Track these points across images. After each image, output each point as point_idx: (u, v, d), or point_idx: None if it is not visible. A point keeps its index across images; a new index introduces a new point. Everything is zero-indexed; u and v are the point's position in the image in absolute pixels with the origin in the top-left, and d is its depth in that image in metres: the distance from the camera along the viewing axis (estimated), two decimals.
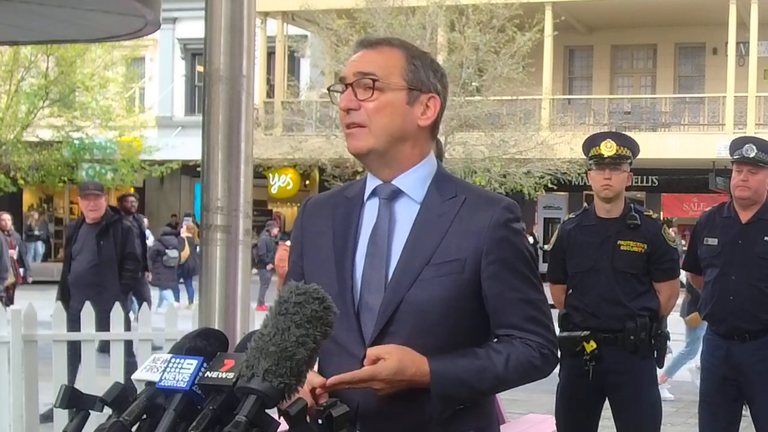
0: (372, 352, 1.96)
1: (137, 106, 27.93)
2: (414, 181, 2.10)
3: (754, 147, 4.51)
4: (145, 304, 7.25)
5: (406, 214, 2.09)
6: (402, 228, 2.08)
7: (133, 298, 10.21)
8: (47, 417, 6.01)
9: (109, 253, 7.64)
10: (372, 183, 2.14)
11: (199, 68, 27.00)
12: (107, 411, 1.70)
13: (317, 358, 1.69)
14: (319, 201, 2.25)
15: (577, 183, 20.59)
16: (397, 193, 2.10)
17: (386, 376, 1.95)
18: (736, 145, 4.60)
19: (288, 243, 17.82)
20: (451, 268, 2.03)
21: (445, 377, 1.98)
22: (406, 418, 2.01)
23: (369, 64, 2.06)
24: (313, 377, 1.95)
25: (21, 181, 24.03)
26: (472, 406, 2.08)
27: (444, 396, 1.99)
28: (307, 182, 26.41)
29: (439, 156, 2.28)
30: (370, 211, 2.12)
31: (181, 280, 16.87)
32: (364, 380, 1.95)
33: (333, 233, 2.12)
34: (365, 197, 2.14)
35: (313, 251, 2.15)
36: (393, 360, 1.96)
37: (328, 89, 2.16)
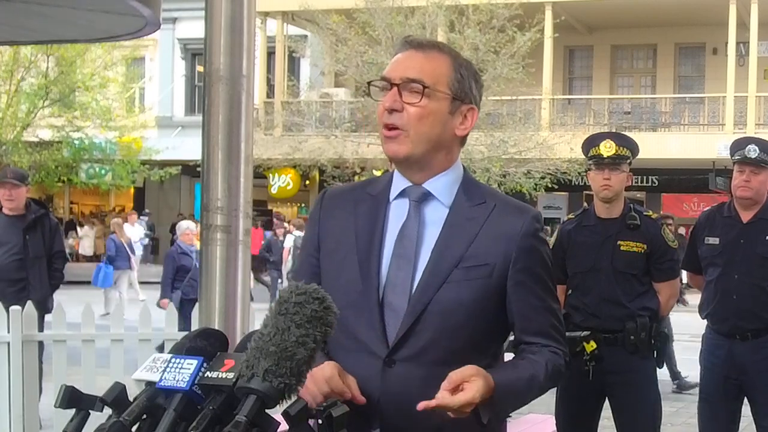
0: (455, 377, 1.93)
1: (137, 106, 27.92)
2: (443, 185, 2.12)
3: (757, 148, 4.51)
4: (145, 302, 7.21)
5: (434, 217, 2.11)
6: (431, 231, 2.10)
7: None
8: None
9: (36, 249, 7.08)
10: (399, 183, 2.14)
11: (199, 68, 27.00)
12: (107, 411, 1.70)
13: (316, 358, 1.69)
14: (337, 194, 2.24)
15: (577, 183, 20.59)
16: (426, 196, 2.12)
17: (481, 396, 1.93)
18: (738, 145, 4.60)
19: None
20: (480, 273, 2.06)
21: (506, 390, 2.00)
22: (424, 416, 2.01)
23: (418, 70, 2.06)
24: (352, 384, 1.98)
25: None
26: None
27: (501, 407, 2.03)
28: (307, 182, 26.40)
29: None
30: (397, 210, 2.13)
31: None
32: (465, 404, 1.92)
33: (356, 230, 2.12)
34: (391, 196, 2.15)
35: (333, 245, 2.15)
36: (480, 378, 1.94)
37: (368, 83, 2.16)
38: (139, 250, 20.58)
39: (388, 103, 2.05)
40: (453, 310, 2.04)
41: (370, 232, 2.11)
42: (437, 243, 2.07)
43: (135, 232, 20.79)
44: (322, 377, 1.96)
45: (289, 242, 17.65)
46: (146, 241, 21.96)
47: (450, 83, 2.08)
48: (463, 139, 2.16)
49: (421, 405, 1.91)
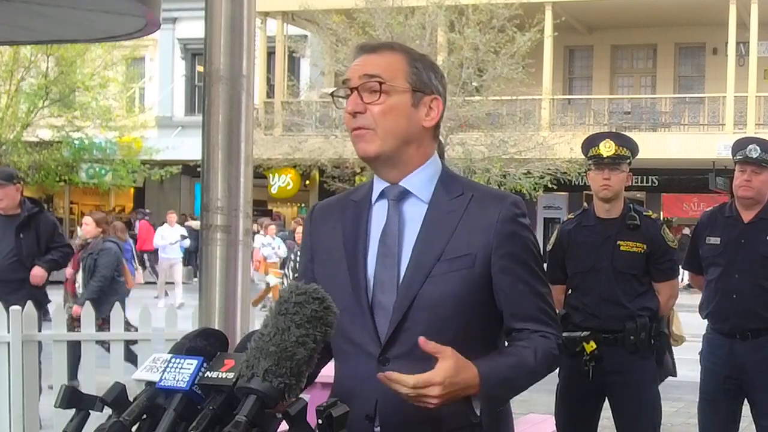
0: (428, 347, 1.91)
1: (137, 106, 27.94)
2: (420, 181, 2.14)
3: (758, 148, 4.52)
4: (146, 305, 7.20)
5: (414, 214, 2.13)
6: (411, 227, 2.12)
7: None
8: None
9: (30, 249, 6.95)
10: (379, 185, 2.18)
11: (199, 68, 27.00)
12: (107, 411, 1.70)
13: (317, 358, 1.69)
14: (326, 206, 2.29)
15: (577, 183, 20.59)
16: (404, 194, 2.14)
17: (444, 377, 1.90)
18: (740, 145, 4.61)
19: None
20: (462, 263, 2.07)
21: (491, 378, 1.99)
22: (424, 415, 2.01)
23: (373, 67, 2.09)
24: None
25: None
26: None
27: (491, 397, 2.01)
28: (307, 182, 26.41)
29: (440, 156, 2.32)
30: (379, 212, 2.16)
31: None
32: (420, 386, 1.89)
33: (343, 236, 2.15)
34: (373, 199, 2.18)
35: (324, 254, 2.19)
36: (450, 358, 1.92)
37: (332, 94, 2.19)
38: (176, 253, 19.17)
39: (350, 106, 2.09)
40: (440, 304, 2.05)
41: (355, 236, 2.14)
42: (418, 239, 2.10)
43: (172, 233, 19.27)
44: None
45: (258, 242, 17.46)
46: (187, 243, 19.81)
47: (407, 76, 2.11)
48: (434, 132, 2.18)
49: (381, 376, 1.89)
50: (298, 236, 12.08)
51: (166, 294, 18.33)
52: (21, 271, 6.94)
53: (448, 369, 1.91)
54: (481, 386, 1.97)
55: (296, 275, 11.01)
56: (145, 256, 21.17)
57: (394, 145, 2.09)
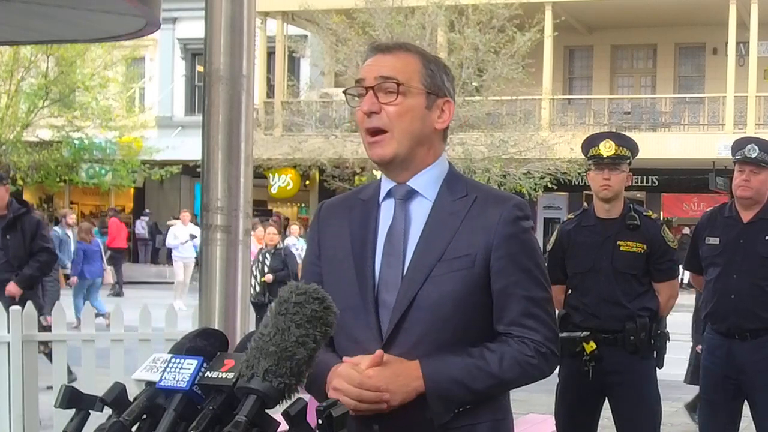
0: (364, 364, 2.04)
1: (137, 106, 27.94)
2: (427, 181, 2.15)
3: (757, 147, 4.52)
4: (146, 305, 7.17)
5: (419, 213, 2.14)
6: (416, 227, 2.13)
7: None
8: None
9: (17, 250, 6.87)
10: (387, 184, 2.18)
11: (199, 68, 27.00)
12: (107, 411, 1.70)
13: (317, 358, 1.69)
14: (333, 204, 2.29)
15: (577, 183, 20.59)
16: (411, 193, 2.15)
17: (369, 365, 2.00)
18: (739, 145, 4.61)
19: None
20: (462, 264, 2.07)
21: (437, 376, 2.02)
22: (423, 415, 2.03)
23: (389, 68, 2.10)
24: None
25: (20, 181, 24.05)
26: (485, 402, 2.10)
27: (440, 396, 2.02)
28: (307, 182, 26.41)
29: None
30: (386, 211, 2.17)
31: None
32: (364, 385, 2.00)
33: (351, 235, 2.16)
34: (380, 199, 2.18)
35: (331, 253, 2.20)
36: (391, 363, 2.01)
37: (345, 92, 2.19)
38: (189, 252, 18.65)
39: (366, 106, 2.09)
40: (439, 304, 2.06)
41: (363, 235, 2.15)
42: (420, 239, 2.10)
43: (185, 232, 18.80)
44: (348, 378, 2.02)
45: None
46: (198, 242, 19.47)
47: (422, 79, 2.12)
48: (444, 133, 2.19)
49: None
50: (269, 237, 11.99)
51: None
52: (8, 273, 6.87)
53: (372, 360, 2.00)
54: (426, 382, 2.01)
55: (263, 279, 11.12)
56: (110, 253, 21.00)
57: (408, 146, 2.10)
